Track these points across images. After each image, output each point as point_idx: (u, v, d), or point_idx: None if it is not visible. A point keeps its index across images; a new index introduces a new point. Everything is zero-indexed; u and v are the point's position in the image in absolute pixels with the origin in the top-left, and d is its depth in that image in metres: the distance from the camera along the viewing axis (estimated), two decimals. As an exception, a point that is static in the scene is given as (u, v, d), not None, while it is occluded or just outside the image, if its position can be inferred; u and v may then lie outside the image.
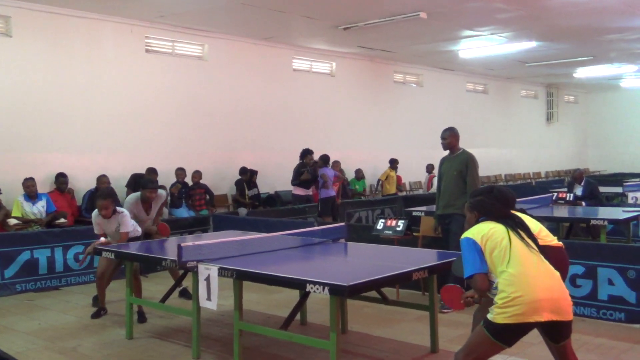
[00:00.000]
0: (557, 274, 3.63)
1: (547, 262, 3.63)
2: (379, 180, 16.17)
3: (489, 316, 3.54)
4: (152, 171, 11.02)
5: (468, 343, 3.71)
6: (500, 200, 3.83)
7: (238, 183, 12.92)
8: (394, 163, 15.65)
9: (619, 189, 12.96)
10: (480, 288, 3.62)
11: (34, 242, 8.30)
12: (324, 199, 11.88)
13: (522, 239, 3.64)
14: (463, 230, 6.92)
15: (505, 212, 3.80)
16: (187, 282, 6.89)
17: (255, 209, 12.45)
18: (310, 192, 12.35)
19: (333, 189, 12.45)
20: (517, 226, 3.71)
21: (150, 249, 6.42)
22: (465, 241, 3.71)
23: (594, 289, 6.34)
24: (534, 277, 3.50)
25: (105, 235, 6.73)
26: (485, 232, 3.67)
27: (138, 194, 7.33)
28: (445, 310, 6.66)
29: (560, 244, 4.50)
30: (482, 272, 3.61)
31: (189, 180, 12.05)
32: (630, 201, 11.25)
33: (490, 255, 3.62)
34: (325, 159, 12.32)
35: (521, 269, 3.52)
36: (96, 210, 6.77)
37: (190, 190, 11.96)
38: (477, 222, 3.85)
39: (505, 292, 3.49)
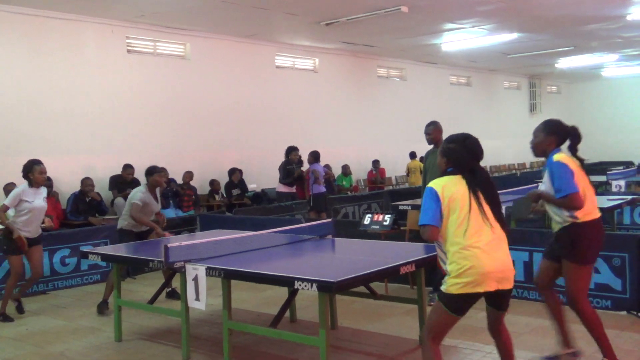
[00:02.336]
0: (505, 244, 3.77)
1: (498, 231, 3.75)
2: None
3: (443, 287, 3.74)
4: (127, 167, 11.03)
5: (427, 321, 3.94)
6: (470, 152, 3.89)
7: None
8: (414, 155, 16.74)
9: (602, 178, 13.05)
10: (428, 238, 3.78)
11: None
12: (316, 195, 11.86)
13: (479, 205, 3.73)
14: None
15: (473, 165, 3.87)
16: (175, 282, 6.87)
17: (242, 207, 12.41)
18: (294, 189, 12.35)
19: (323, 185, 12.44)
20: (479, 186, 3.79)
21: (137, 251, 6.39)
22: (429, 190, 3.79)
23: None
24: (484, 251, 3.64)
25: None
26: (452, 193, 3.75)
27: (141, 186, 7.33)
28: (433, 303, 6.68)
29: None
30: (436, 227, 3.73)
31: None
32: (614, 189, 11.33)
33: (447, 217, 3.73)
34: (316, 155, 12.31)
35: (474, 242, 3.66)
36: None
37: (179, 191, 11.95)
38: (446, 170, 3.90)
39: (458, 264, 3.66)
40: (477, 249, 3.65)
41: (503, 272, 3.69)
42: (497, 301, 3.85)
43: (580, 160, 4.55)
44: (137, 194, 7.16)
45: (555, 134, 4.62)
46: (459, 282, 3.64)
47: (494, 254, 3.68)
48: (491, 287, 3.66)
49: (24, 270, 7.19)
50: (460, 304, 3.71)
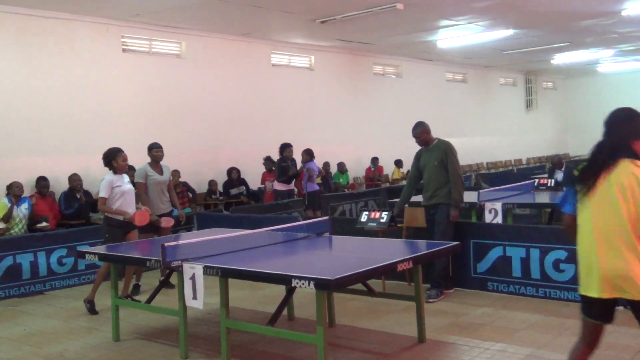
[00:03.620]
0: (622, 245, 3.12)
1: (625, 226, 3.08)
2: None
3: None
4: (130, 168, 11.02)
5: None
6: (615, 120, 3.31)
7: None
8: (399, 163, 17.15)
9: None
10: (563, 225, 3.40)
11: (16, 247, 8.20)
12: (310, 193, 11.87)
13: (614, 185, 3.07)
14: (448, 219, 7.00)
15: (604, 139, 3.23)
16: (173, 280, 6.86)
17: (239, 206, 12.41)
18: (292, 186, 12.34)
19: (316, 183, 12.44)
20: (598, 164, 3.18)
21: (134, 250, 6.39)
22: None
23: (577, 272, 6.39)
24: (598, 250, 3.12)
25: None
26: (581, 169, 3.27)
27: (145, 164, 8.07)
28: (431, 300, 6.70)
29: None
30: (565, 212, 3.33)
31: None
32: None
33: (577, 196, 3.24)
34: (310, 152, 12.31)
35: (583, 234, 3.17)
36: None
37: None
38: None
39: (579, 258, 3.18)
40: (588, 241, 3.16)
41: (617, 279, 3.13)
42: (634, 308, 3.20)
43: None
44: (140, 172, 7.92)
45: None
46: (580, 283, 3.20)
47: (610, 253, 3.12)
48: (603, 293, 3.12)
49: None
50: (587, 305, 3.23)
